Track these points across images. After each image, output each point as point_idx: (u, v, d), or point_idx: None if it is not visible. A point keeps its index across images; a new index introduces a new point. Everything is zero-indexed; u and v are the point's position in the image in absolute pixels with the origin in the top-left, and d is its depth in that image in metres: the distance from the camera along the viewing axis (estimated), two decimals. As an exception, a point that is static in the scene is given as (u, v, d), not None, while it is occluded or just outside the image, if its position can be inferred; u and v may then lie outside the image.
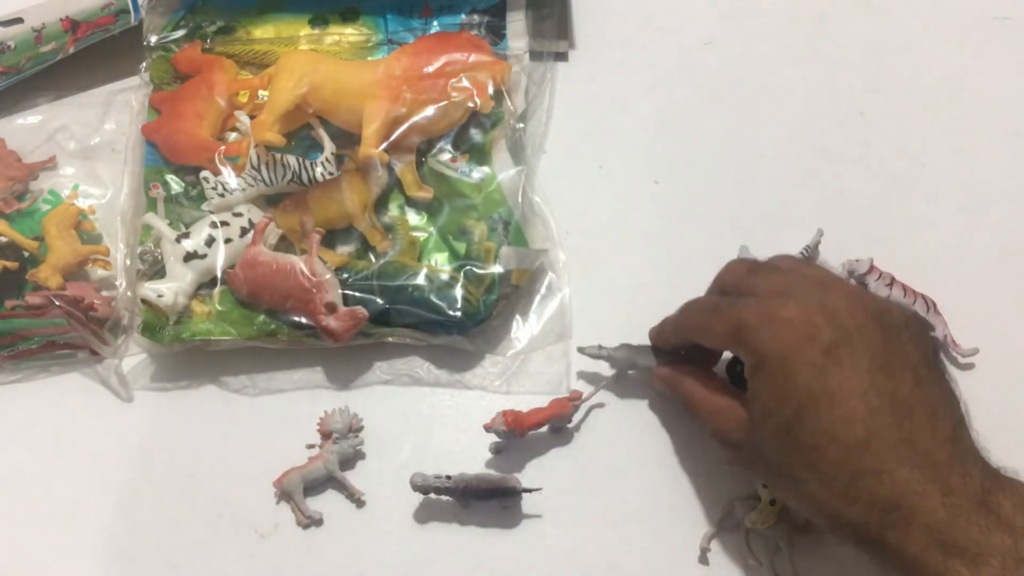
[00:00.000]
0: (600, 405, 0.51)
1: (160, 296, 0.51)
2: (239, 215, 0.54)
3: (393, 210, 0.55)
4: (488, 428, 0.48)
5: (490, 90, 0.56)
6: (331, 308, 0.49)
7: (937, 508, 0.36)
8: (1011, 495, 0.37)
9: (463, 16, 0.61)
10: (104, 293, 0.54)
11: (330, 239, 0.54)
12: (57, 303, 0.51)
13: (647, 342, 0.50)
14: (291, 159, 0.54)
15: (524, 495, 0.48)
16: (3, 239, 0.54)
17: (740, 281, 0.45)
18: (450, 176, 0.55)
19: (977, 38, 0.64)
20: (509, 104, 0.57)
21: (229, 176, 0.55)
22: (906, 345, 0.40)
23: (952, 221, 0.57)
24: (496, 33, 0.61)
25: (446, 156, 0.56)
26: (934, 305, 0.52)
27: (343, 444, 0.49)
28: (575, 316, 0.53)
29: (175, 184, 0.56)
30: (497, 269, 0.52)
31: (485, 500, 0.47)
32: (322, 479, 0.49)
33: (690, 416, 0.47)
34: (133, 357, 0.53)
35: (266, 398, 0.52)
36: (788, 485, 0.41)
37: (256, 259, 0.51)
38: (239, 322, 0.51)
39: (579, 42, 0.64)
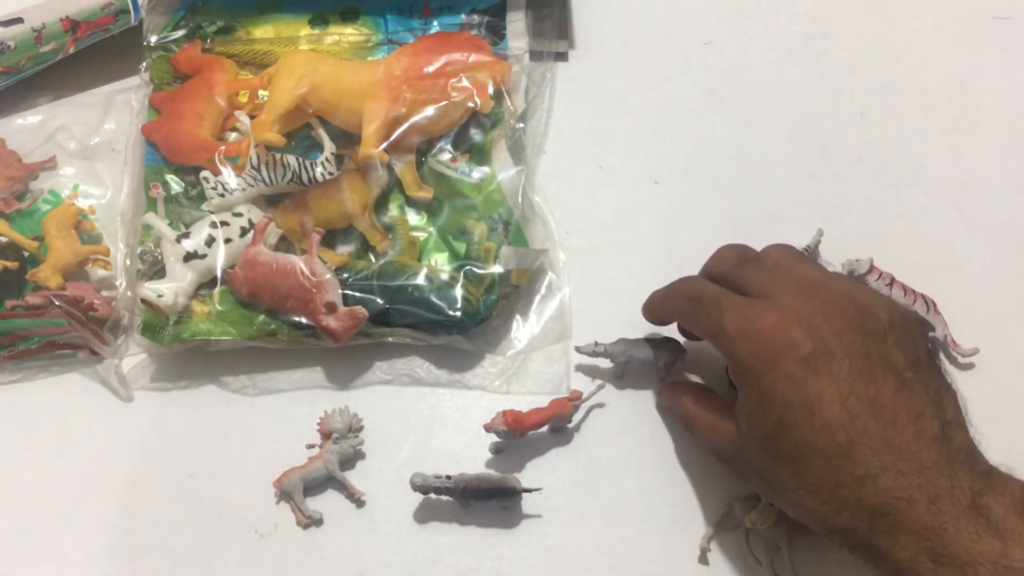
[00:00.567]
0: (600, 405, 0.51)
1: (160, 296, 0.51)
2: (239, 215, 0.54)
3: (393, 210, 0.55)
4: (488, 428, 0.48)
5: (490, 90, 0.56)
6: (331, 308, 0.49)
7: (923, 514, 0.36)
8: (1002, 497, 0.36)
9: (463, 16, 0.61)
10: (104, 293, 0.54)
11: (330, 239, 0.54)
12: (57, 303, 0.51)
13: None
14: (291, 159, 0.54)
15: (524, 495, 0.48)
16: (3, 239, 0.54)
17: (728, 272, 0.46)
18: (450, 176, 0.55)
19: (977, 38, 0.64)
20: (509, 104, 0.57)
21: (229, 176, 0.55)
22: (890, 348, 0.39)
23: (952, 221, 0.57)
24: (496, 33, 0.61)
25: (446, 156, 0.56)
26: (934, 305, 0.52)
27: (343, 444, 0.49)
28: (575, 316, 0.54)
29: (175, 184, 0.56)
30: (497, 269, 0.52)
31: (485, 500, 0.47)
32: (322, 479, 0.49)
33: (689, 432, 0.48)
34: (133, 357, 0.53)
35: (266, 398, 0.52)
36: (778, 494, 0.41)
37: (256, 259, 0.51)
38: (239, 322, 0.51)
39: (579, 42, 0.64)
